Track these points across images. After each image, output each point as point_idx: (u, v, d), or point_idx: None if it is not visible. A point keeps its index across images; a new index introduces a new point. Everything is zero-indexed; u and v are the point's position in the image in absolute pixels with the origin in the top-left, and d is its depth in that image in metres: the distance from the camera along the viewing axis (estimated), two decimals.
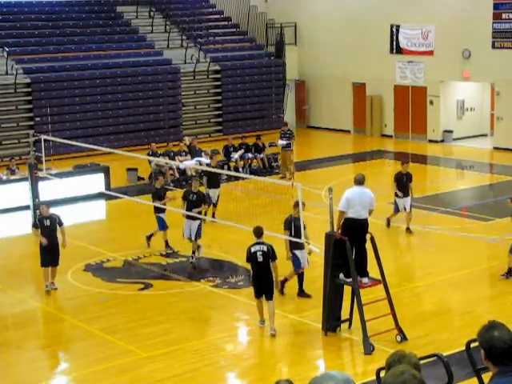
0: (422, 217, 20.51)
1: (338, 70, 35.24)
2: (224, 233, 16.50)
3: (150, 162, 25.85)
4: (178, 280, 16.70)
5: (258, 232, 13.56)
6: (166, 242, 18.49)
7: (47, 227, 15.84)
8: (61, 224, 15.97)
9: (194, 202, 17.77)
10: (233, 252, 17.81)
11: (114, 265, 17.83)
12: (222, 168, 25.96)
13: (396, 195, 19.03)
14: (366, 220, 13.45)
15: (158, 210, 18.44)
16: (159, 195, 18.73)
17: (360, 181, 13.58)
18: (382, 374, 5.22)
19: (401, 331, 13.05)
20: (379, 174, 24.41)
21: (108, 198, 23.16)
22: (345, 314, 13.52)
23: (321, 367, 12.69)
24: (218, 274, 16.83)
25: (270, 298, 13.49)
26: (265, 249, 13.35)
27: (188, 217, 17.49)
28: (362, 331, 12.71)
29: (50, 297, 16.23)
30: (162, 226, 18.40)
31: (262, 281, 13.47)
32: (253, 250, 13.42)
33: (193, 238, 17.50)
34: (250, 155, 27.86)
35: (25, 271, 18.10)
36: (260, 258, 13.33)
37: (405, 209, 19.08)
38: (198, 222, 17.49)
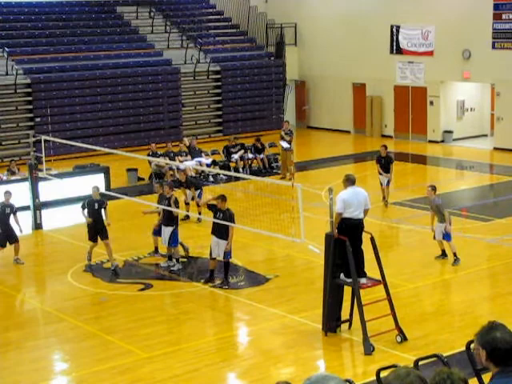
0: (422, 217, 20.51)
1: (338, 70, 35.24)
2: None
3: (150, 163, 25.86)
4: (178, 280, 16.71)
5: None
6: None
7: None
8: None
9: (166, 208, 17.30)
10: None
11: None
12: (223, 168, 25.99)
13: (379, 173, 22.49)
14: (361, 220, 13.43)
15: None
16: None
17: (353, 181, 13.61)
18: (382, 374, 5.22)
19: (401, 331, 13.05)
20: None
21: (108, 198, 23.10)
22: (345, 315, 13.52)
23: (321, 368, 12.67)
24: (218, 274, 16.81)
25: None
26: None
27: (163, 223, 17.30)
28: (362, 332, 12.71)
29: (50, 297, 16.26)
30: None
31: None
32: None
33: (166, 244, 17.30)
34: (250, 156, 27.87)
35: (25, 271, 18.10)
36: None
37: (383, 184, 22.42)
38: (170, 228, 17.15)
